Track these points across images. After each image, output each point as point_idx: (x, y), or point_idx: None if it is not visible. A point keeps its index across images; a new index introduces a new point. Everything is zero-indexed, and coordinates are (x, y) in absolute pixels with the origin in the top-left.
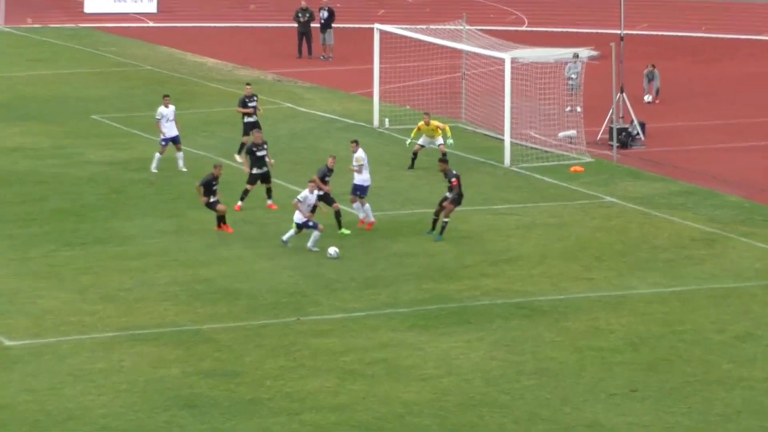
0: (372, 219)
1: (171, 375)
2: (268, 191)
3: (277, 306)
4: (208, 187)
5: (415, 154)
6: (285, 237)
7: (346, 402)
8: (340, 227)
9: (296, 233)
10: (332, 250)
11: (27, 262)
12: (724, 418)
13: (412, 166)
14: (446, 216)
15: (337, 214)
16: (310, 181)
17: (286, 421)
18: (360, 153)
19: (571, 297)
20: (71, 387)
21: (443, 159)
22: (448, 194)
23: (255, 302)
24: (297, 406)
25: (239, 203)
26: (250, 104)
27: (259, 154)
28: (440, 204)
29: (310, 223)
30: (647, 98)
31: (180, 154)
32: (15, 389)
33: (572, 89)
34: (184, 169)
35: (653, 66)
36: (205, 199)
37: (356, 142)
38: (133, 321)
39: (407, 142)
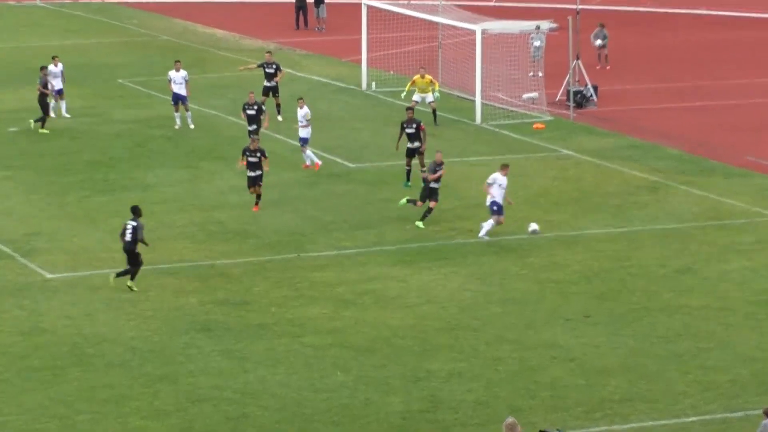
0: (317, 161)
1: (189, 303)
2: (257, 197)
3: (280, 244)
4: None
5: (411, 109)
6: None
7: (340, 326)
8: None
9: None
10: (533, 227)
11: (64, 206)
12: (664, 340)
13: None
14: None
15: (429, 211)
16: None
17: (289, 343)
18: (307, 109)
19: (534, 237)
20: (104, 314)
21: (412, 108)
22: (413, 144)
23: (261, 241)
24: (298, 329)
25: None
26: (268, 70)
27: (251, 159)
28: (409, 155)
29: (494, 207)
30: (598, 42)
31: (188, 114)
32: (55, 316)
33: (535, 57)
34: (192, 126)
35: (602, 25)
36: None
37: (302, 98)
38: (156, 257)
39: (402, 95)
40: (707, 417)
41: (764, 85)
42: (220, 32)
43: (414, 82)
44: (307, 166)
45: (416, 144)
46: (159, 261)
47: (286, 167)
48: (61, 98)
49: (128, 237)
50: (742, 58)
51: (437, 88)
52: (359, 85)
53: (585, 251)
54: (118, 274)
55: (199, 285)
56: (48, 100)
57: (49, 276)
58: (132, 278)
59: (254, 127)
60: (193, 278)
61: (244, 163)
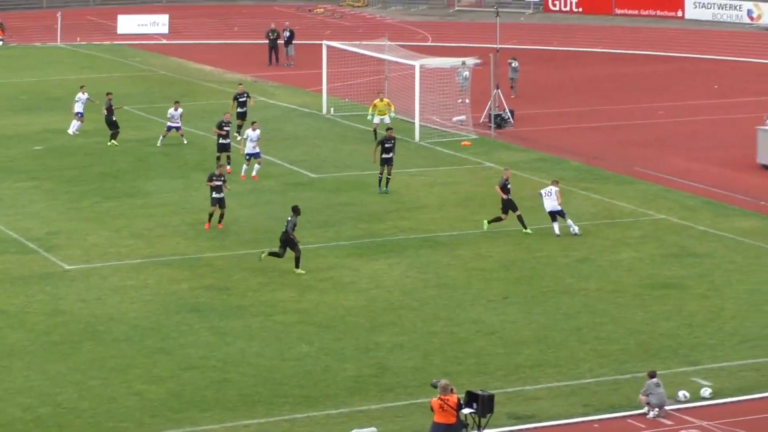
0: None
1: (181, 289)
2: (221, 216)
3: (255, 240)
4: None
5: (375, 131)
6: (558, 230)
7: (306, 307)
8: (525, 227)
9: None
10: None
11: (79, 210)
12: (567, 317)
13: (376, 138)
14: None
15: (520, 218)
16: (554, 182)
17: (262, 321)
18: (259, 131)
19: (462, 233)
20: (112, 298)
21: (391, 128)
22: (388, 155)
23: (240, 238)
24: (270, 309)
25: (207, 224)
26: (240, 99)
27: (216, 183)
28: (383, 164)
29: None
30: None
31: (182, 137)
32: (72, 299)
33: (462, 87)
34: (185, 141)
35: (514, 58)
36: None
37: (255, 122)
38: (154, 251)
39: (368, 117)
40: (602, 379)
41: (647, 109)
42: (207, 67)
43: (375, 105)
44: (246, 177)
45: (390, 155)
46: (157, 254)
47: (260, 177)
48: (80, 120)
49: (288, 227)
50: (630, 88)
51: (393, 109)
52: (320, 110)
53: (504, 244)
54: (270, 253)
55: (190, 274)
56: (114, 119)
57: (67, 267)
58: (297, 265)
59: (227, 141)
60: (184, 268)
61: (211, 184)
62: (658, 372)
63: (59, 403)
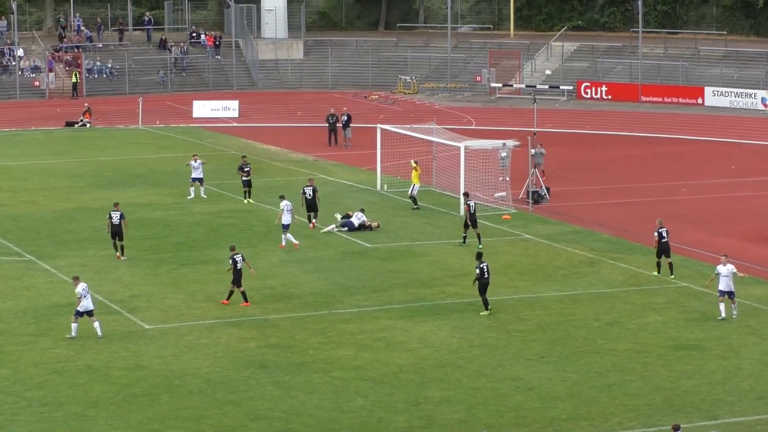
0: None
1: (249, 347)
2: (244, 294)
3: (315, 303)
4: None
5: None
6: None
7: (361, 364)
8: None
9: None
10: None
11: (158, 275)
12: (598, 374)
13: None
14: None
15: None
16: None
17: (322, 376)
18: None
19: (503, 298)
20: (187, 355)
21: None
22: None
23: (302, 301)
24: (329, 366)
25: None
26: (245, 169)
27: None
28: (465, 226)
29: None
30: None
31: (202, 189)
32: (151, 356)
33: (503, 166)
34: (204, 197)
35: (540, 144)
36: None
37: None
38: (225, 313)
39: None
40: None
41: (670, 187)
42: (273, 148)
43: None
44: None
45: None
46: (227, 316)
47: (320, 246)
48: (201, 184)
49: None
50: (654, 167)
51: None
52: (375, 186)
53: (540, 309)
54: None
55: (257, 333)
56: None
57: (147, 327)
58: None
59: (249, 178)
60: (252, 328)
61: (231, 268)
62: (681, 425)
63: None
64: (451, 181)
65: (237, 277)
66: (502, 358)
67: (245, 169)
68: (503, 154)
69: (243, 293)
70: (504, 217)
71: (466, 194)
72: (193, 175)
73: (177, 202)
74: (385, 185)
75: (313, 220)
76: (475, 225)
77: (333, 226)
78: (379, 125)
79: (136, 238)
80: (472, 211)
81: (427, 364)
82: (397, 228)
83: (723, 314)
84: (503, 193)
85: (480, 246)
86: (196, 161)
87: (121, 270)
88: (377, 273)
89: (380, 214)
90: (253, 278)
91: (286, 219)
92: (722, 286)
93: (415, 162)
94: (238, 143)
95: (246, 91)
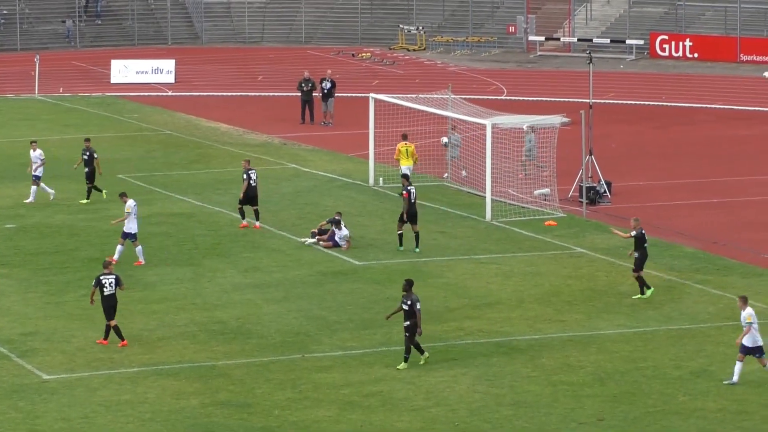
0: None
1: (190, 405)
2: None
3: (284, 344)
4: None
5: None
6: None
7: (346, 430)
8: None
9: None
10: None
11: (62, 305)
12: None
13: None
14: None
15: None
16: None
17: None
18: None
19: (546, 336)
20: (102, 416)
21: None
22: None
23: (264, 341)
24: None
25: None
26: (252, 175)
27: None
28: (401, 221)
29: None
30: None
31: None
32: (52, 418)
33: (528, 157)
34: (51, 197)
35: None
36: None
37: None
38: (156, 357)
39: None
40: None
41: None
42: (224, 126)
43: (399, 150)
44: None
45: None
46: (158, 362)
47: (291, 265)
48: (37, 184)
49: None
50: (758, 154)
51: (416, 159)
52: (366, 180)
53: (599, 352)
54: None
55: (200, 386)
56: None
57: (45, 377)
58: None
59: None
60: (193, 379)
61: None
62: None
63: None
64: (472, 174)
65: (108, 306)
66: (545, 420)
67: (252, 175)
68: (529, 138)
69: (115, 328)
70: (547, 223)
71: (405, 176)
72: (35, 172)
73: (89, 202)
74: (381, 178)
75: (256, 223)
76: (414, 220)
77: (314, 239)
78: (372, 94)
79: (32, 251)
80: (412, 200)
81: (440, 430)
82: (396, 238)
83: (735, 378)
84: (546, 190)
85: (417, 249)
86: (35, 150)
87: (10, 297)
88: (369, 302)
89: (373, 218)
90: (196, 309)
91: (130, 226)
92: (749, 344)
93: (405, 137)
94: (174, 119)
95: (185, 47)
